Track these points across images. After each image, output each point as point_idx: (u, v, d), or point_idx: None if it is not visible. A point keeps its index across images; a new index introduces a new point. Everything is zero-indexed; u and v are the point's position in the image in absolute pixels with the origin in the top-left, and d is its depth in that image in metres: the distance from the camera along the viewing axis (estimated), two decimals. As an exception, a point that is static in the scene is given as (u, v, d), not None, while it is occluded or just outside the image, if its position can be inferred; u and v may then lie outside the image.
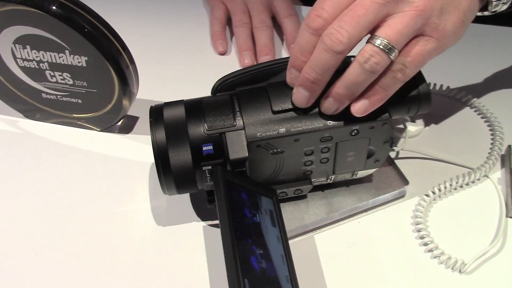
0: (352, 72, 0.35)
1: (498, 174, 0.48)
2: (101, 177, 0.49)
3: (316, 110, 0.39)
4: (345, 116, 0.39)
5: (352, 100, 0.37)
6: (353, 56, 0.37)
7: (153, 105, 0.41)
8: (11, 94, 0.52)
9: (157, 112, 0.40)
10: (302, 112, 0.39)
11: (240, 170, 0.39)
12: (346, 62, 0.37)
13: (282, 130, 0.38)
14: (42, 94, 0.51)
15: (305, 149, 0.40)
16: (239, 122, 0.39)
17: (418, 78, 0.40)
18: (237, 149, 0.38)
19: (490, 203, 0.45)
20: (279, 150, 0.39)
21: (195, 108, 0.40)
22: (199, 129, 0.39)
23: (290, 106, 0.39)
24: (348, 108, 0.38)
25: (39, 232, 0.44)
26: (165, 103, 0.41)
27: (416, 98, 0.40)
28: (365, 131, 0.39)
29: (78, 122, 0.53)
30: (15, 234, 0.44)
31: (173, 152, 0.38)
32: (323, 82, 0.37)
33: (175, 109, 0.40)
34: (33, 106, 0.53)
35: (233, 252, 0.32)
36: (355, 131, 0.39)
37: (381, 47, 0.34)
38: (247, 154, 0.38)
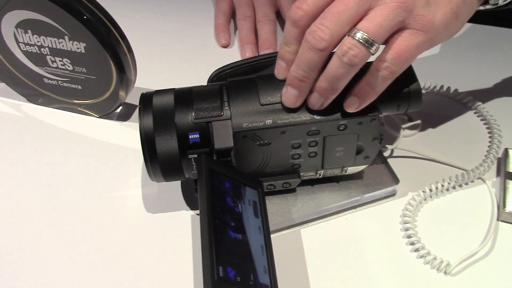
0: (332, 66, 0.35)
1: (493, 177, 0.47)
2: (96, 162, 0.50)
3: (304, 103, 0.39)
4: (332, 110, 0.38)
5: (336, 94, 0.37)
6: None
7: (144, 92, 0.41)
8: (15, 78, 0.53)
9: (146, 99, 0.40)
10: None
11: (225, 159, 0.39)
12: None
13: (269, 121, 0.38)
14: (44, 79, 0.52)
15: (292, 142, 0.40)
16: (226, 112, 0.39)
17: (409, 76, 0.40)
18: (223, 138, 0.38)
19: (482, 206, 0.45)
20: (265, 141, 0.39)
21: (184, 97, 0.40)
22: (187, 117, 0.39)
23: (278, 99, 0.39)
24: (335, 103, 0.38)
25: (30, 211, 0.45)
26: (155, 90, 0.41)
27: (407, 96, 0.40)
28: (353, 126, 0.39)
29: (79, 108, 0.54)
30: (7, 210, 0.45)
31: (160, 139, 0.39)
32: (310, 79, 0.37)
33: (164, 97, 0.40)
34: (35, 91, 0.54)
35: (209, 239, 0.33)
36: (343, 126, 0.39)
37: (360, 40, 0.34)
38: (232, 144, 0.38)
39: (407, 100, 0.40)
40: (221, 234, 0.34)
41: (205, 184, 0.36)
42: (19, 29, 0.48)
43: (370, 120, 0.39)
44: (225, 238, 0.34)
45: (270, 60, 0.45)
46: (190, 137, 0.39)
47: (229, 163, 0.39)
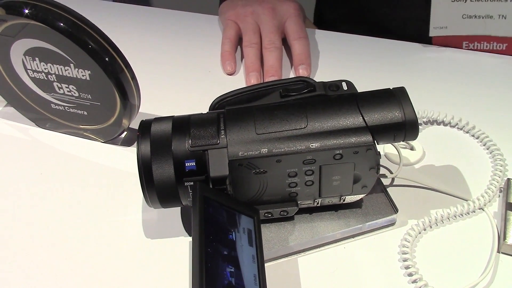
0: None
1: (494, 207, 0.46)
2: (99, 186, 0.50)
3: (300, 132, 0.39)
4: (328, 139, 0.39)
5: None
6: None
7: (143, 119, 0.42)
8: (24, 103, 0.55)
9: (145, 127, 0.41)
10: (285, 134, 0.39)
11: (220, 187, 0.39)
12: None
13: (264, 150, 0.39)
14: (51, 104, 0.53)
15: (288, 171, 0.40)
16: (222, 140, 0.39)
17: (405, 105, 0.40)
18: (218, 166, 0.39)
19: (482, 237, 0.44)
20: (261, 170, 0.40)
21: (182, 124, 0.41)
22: (184, 145, 0.39)
23: (274, 129, 0.39)
24: (331, 133, 0.39)
25: (32, 236, 0.46)
26: (155, 118, 0.42)
27: (402, 125, 0.40)
28: (349, 155, 0.39)
29: (84, 133, 0.55)
30: (9, 236, 0.46)
31: (157, 167, 0.39)
32: None
33: (163, 124, 0.41)
34: (43, 116, 0.55)
35: (200, 267, 0.33)
36: (339, 155, 0.39)
37: None
38: (227, 172, 0.39)
39: (403, 130, 0.40)
40: (213, 262, 0.34)
41: (199, 212, 0.36)
42: (27, 57, 0.49)
43: (365, 150, 0.39)
44: (216, 267, 0.34)
45: (270, 88, 0.45)
46: (186, 164, 0.39)
47: (224, 191, 0.40)
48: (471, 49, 0.65)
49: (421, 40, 0.67)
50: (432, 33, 0.64)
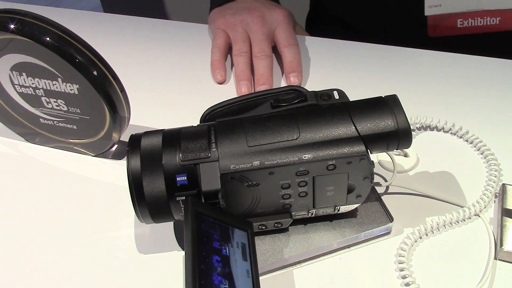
0: None
1: (490, 213, 0.46)
2: (90, 201, 0.50)
3: (292, 144, 0.39)
4: (321, 150, 0.38)
5: None
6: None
7: (133, 133, 0.42)
8: (12, 118, 0.54)
9: (135, 141, 0.40)
10: (277, 146, 0.39)
11: (213, 201, 0.39)
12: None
13: (256, 163, 0.38)
14: (40, 119, 0.53)
15: (281, 183, 0.39)
16: (214, 153, 0.39)
17: (398, 113, 0.39)
18: (210, 180, 0.38)
19: (479, 244, 0.44)
20: (254, 182, 0.39)
21: (172, 138, 0.40)
22: (174, 159, 0.39)
23: (265, 141, 0.39)
24: (324, 143, 0.38)
25: (23, 253, 0.45)
26: (144, 132, 0.41)
27: (395, 134, 0.39)
28: (342, 166, 0.39)
29: (74, 147, 0.54)
30: (-1, 256, 0.45)
31: (147, 182, 0.39)
32: None
33: (153, 138, 0.40)
34: (32, 130, 0.54)
35: (193, 284, 0.32)
36: (332, 165, 0.39)
37: None
38: (219, 186, 0.38)
39: (396, 138, 0.39)
40: (206, 279, 0.34)
41: (191, 228, 0.35)
42: (14, 72, 0.48)
43: (359, 160, 0.39)
44: (210, 283, 0.34)
45: (261, 98, 0.45)
46: (177, 179, 0.38)
47: (217, 205, 0.39)
48: (465, 27, 0.66)
49: (416, 23, 0.67)
50: (428, 12, 0.64)
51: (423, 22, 0.67)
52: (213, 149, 0.39)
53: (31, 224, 0.48)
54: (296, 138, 0.39)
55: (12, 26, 0.44)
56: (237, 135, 0.39)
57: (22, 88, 0.50)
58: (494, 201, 0.47)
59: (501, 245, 0.42)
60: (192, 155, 0.39)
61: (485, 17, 0.64)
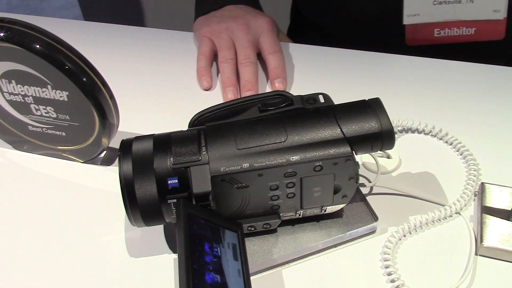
0: None
1: (470, 211, 0.48)
2: (80, 207, 0.50)
3: (280, 146, 0.40)
4: (308, 152, 0.39)
5: None
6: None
7: (124, 138, 0.42)
8: (0, 126, 0.54)
9: (126, 146, 0.41)
10: (266, 148, 0.40)
11: (204, 203, 0.39)
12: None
13: (246, 165, 0.39)
14: (29, 126, 0.53)
15: (270, 184, 0.40)
16: (204, 156, 0.40)
17: (381, 115, 0.41)
18: (201, 183, 0.39)
19: (460, 241, 0.45)
20: (243, 184, 0.40)
21: (163, 142, 0.41)
22: (165, 163, 0.40)
23: (254, 143, 0.40)
24: (311, 145, 0.39)
25: (13, 260, 0.45)
26: (135, 137, 0.42)
27: (379, 135, 0.41)
28: (328, 167, 0.40)
29: (63, 154, 0.55)
30: (-10, 262, 0.45)
31: (139, 185, 0.39)
32: None
33: (144, 143, 0.41)
34: (20, 138, 0.55)
35: (187, 284, 0.33)
36: (319, 167, 0.40)
37: None
38: (210, 188, 0.39)
39: (380, 139, 0.41)
40: (199, 279, 0.35)
41: (183, 229, 0.36)
42: (3, 79, 0.49)
43: (344, 161, 0.40)
44: (203, 283, 0.35)
45: (248, 103, 0.46)
46: (169, 182, 0.39)
47: (208, 207, 0.40)
48: (442, 36, 0.68)
49: (394, 32, 0.69)
50: (406, 21, 0.66)
51: (401, 31, 0.69)
52: (203, 153, 0.40)
53: (21, 231, 0.48)
54: (284, 141, 0.40)
55: (1, 34, 0.45)
56: (226, 139, 0.40)
57: (11, 95, 0.50)
58: (474, 199, 0.49)
59: (481, 241, 0.44)
60: (183, 158, 0.40)
61: (461, 27, 0.67)
